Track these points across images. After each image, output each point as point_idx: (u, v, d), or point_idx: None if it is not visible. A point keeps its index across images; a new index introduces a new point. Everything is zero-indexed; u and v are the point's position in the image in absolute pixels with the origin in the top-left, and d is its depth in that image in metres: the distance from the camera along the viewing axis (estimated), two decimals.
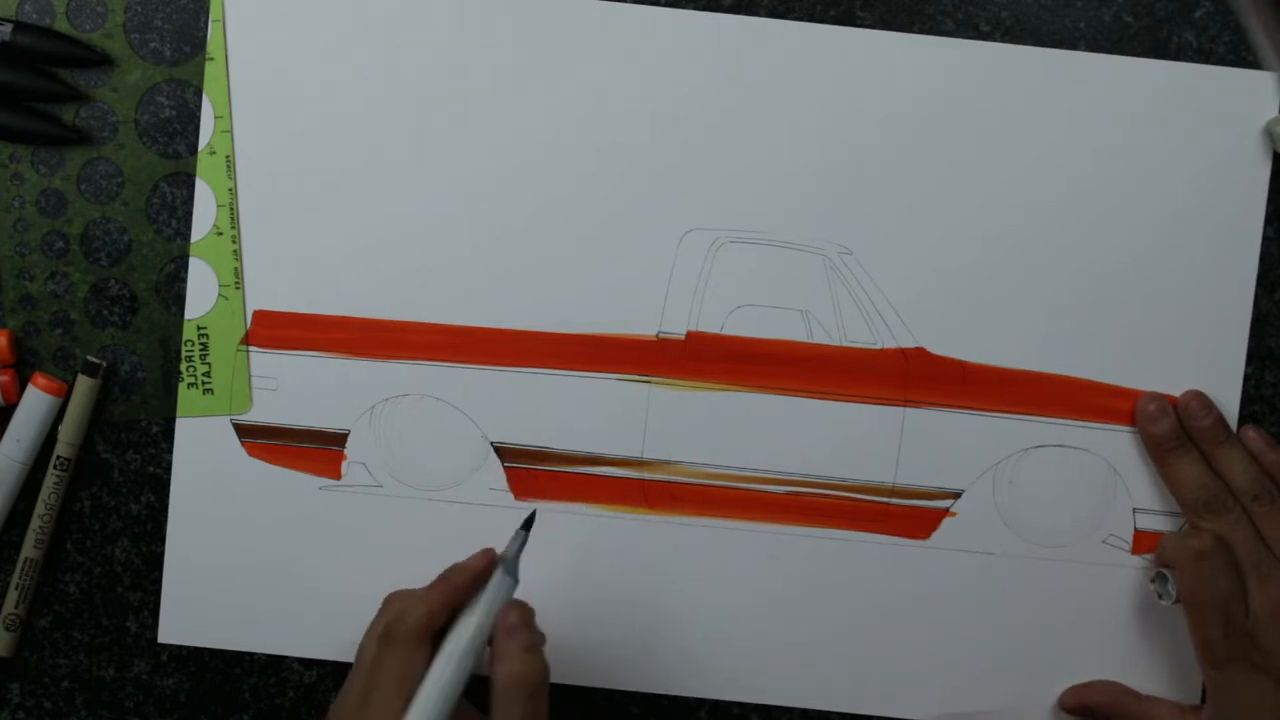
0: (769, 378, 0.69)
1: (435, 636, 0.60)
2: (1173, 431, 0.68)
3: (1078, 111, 0.68)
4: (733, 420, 0.69)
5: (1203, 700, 0.68)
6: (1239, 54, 0.69)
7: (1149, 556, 0.69)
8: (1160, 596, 0.66)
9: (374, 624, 0.62)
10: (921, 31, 0.69)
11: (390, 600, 0.62)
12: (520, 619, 0.60)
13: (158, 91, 0.68)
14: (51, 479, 0.68)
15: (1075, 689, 0.69)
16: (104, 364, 0.68)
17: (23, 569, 0.68)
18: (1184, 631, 0.67)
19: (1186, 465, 0.67)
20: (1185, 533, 0.67)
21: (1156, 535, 0.69)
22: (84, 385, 0.68)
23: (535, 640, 0.60)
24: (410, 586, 0.69)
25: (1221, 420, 0.68)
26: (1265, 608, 0.64)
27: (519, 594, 0.62)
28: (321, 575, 0.69)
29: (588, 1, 0.68)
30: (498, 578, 0.61)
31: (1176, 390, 0.69)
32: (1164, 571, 0.66)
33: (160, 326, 0.69)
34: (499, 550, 0.62)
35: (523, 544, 0.63)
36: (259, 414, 0.69)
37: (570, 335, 0.69)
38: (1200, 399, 0.68)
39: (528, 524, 0.63)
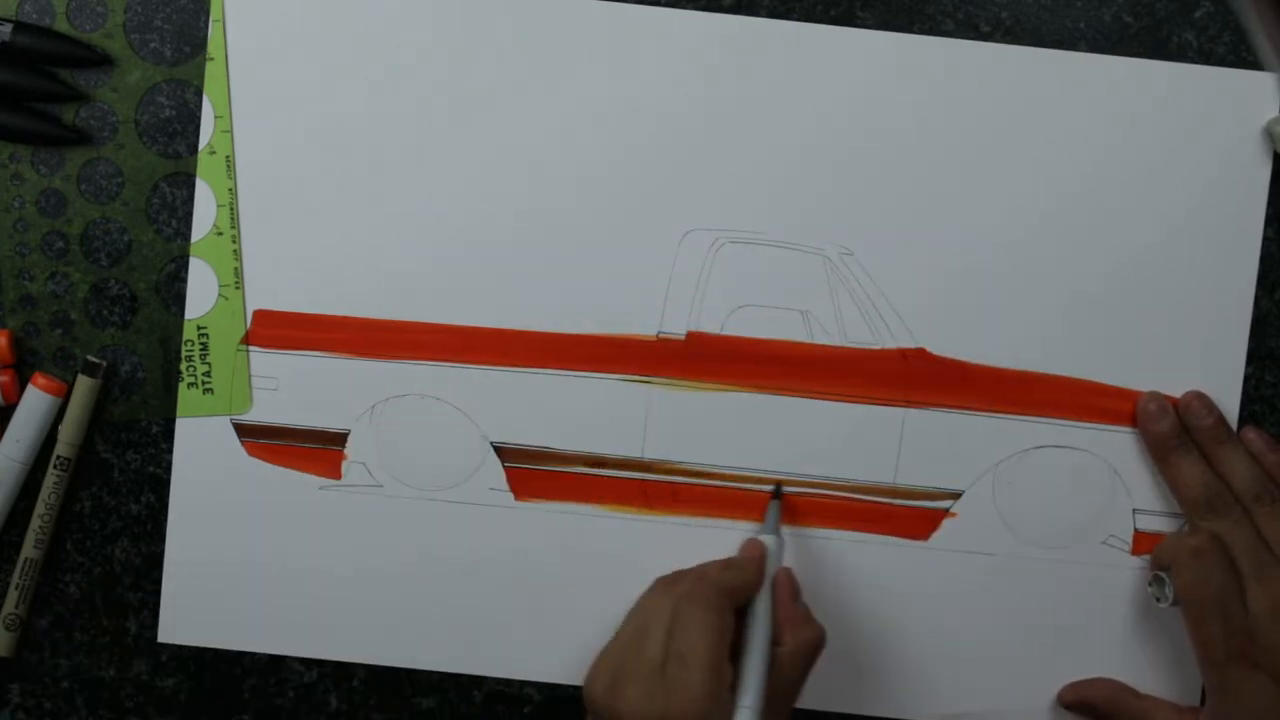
0: (769, 378, 0.69)
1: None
2: (1173, 431, 0.68)
3: (1078, 112, 0.68)
4: (733, 420, 0.69)
5: (1202, 702, 0.68)
6: (1239, 54, 0.69)
7: (1149, 557, 0.69)
8: (1158, 600, 0.66)
9: (664, 587, 0.64)
10: (921, 31, 0.69)
11: (678, 574, 0.65)
12: (794, 589, 0.65)
13: (158, 91, 0.68)
14: (51, 479, 0.68)
15: (1074, 685, 0.69)
16: (104, 364, 0.68)
17: (23, 569, 0.68)
18: (1184, 633, 0.68)
19: (1187, 465, 0.67)
20: (1181, 533, 0.67)
21: (1157, 536, 0.69)
22: (84, 385, 0.68)
23: (808, 608, 0.65)
24: (410, 586, 0.69)
25: (1223, 420, 0.68)
26: (1265, 606, 0.64)
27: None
28: (321, 575, 0.69)
29: (588, 2, 0.68)
30: (771, 544, 0.66)
31: (1177, 391, 0.69)
32: (1160, 574, 0.66)
33: (160, 326, 0.69)
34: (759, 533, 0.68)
35: (778, 512, 0.68)
36: (259, 414, 0.69)
37: (570, 335, 0.69)
38: (1201, 399, 0.68)
39: (777, 493, 0.68)
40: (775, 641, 0.63)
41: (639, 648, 0.61)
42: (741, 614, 0.64)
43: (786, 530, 0.69)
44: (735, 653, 0.62)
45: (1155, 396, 0.68)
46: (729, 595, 0.63)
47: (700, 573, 0.65)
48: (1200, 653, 0.65)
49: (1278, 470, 0.67)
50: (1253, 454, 0.67)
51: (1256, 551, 0.65)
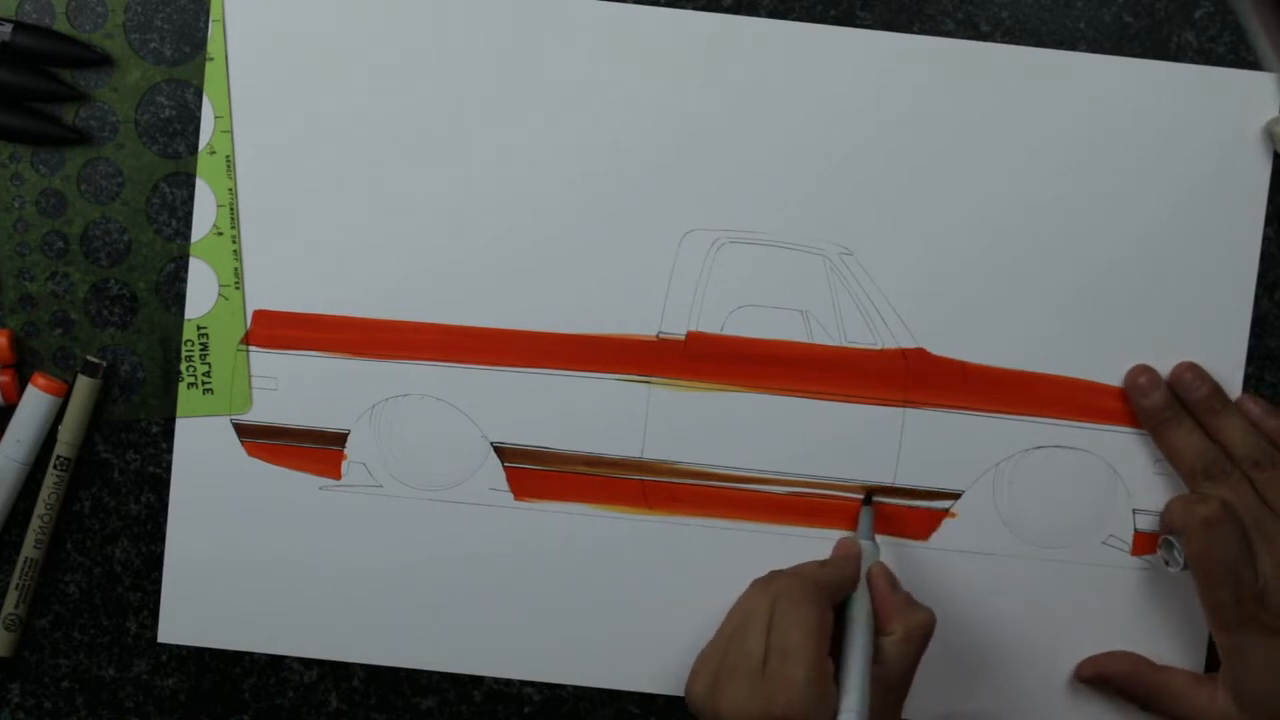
0: (769, 378, 0.69)
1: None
2: (1165, 403, 0.67)
3: (1078, 111, 0.68)
4: (733, 420, 0.69)
5: (1208, 669, 0.68)
6: (1239, 54, 0.69)
7: (1149, 557, 0.69)
8: (1168, 564, 0.66)
9: (760, 586, 0.64)
10: (921, 31, 0.69)
11: (774, 574, 0.66)
12: (892, 579, 0.65)
13: (158, 91, 0.68)
14: (51, 479, 0.68)
15: (1091, 659, 0.69)
16: (104, 364, 0.68)
17: (23, 569, 0.68)
18: (1183, 634, 0.68)
19: (1182, 435, 0.67)
20: (1191, 497, 0.66)
21: (1157, 536, 0.69)
22: (84, 385, 0.68)
23: (909, 594, 0.65)
24: (410, 586, 0.69)
25: (1217, 389, 0.67)
26: (1273, 570, 0.63)
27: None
28: (321, 575, 0.69)
29: (588, 1, 0.68)
30: (867, 548, 0.66)
31: None
32: (1170, 539, 0.66)
33: (160, 326, 0.69)
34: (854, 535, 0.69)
35: (871, 517, 0.68)
36: (259, 414, 0.69)
37: (570, 335, 0.69)
38: (1194, 370, 0.68)
39: (868, 500, 0.68)
40: (882, 632, 0.64)
41: (739, 646, 0.62)
42: (839, 614, 0.64)
43: (786, 529, 0.69)
44: (834, 652, 0.62)
45: (1144, 369, 0.68)
46: (827, 591, 0.63)
47: (796, 571, 0.65)
48: (1212, 619, 0.65)
49: (1277, 434, 0.66)
50: (1251, 420, 0.67)
51: (1260, 515, 0.64)
